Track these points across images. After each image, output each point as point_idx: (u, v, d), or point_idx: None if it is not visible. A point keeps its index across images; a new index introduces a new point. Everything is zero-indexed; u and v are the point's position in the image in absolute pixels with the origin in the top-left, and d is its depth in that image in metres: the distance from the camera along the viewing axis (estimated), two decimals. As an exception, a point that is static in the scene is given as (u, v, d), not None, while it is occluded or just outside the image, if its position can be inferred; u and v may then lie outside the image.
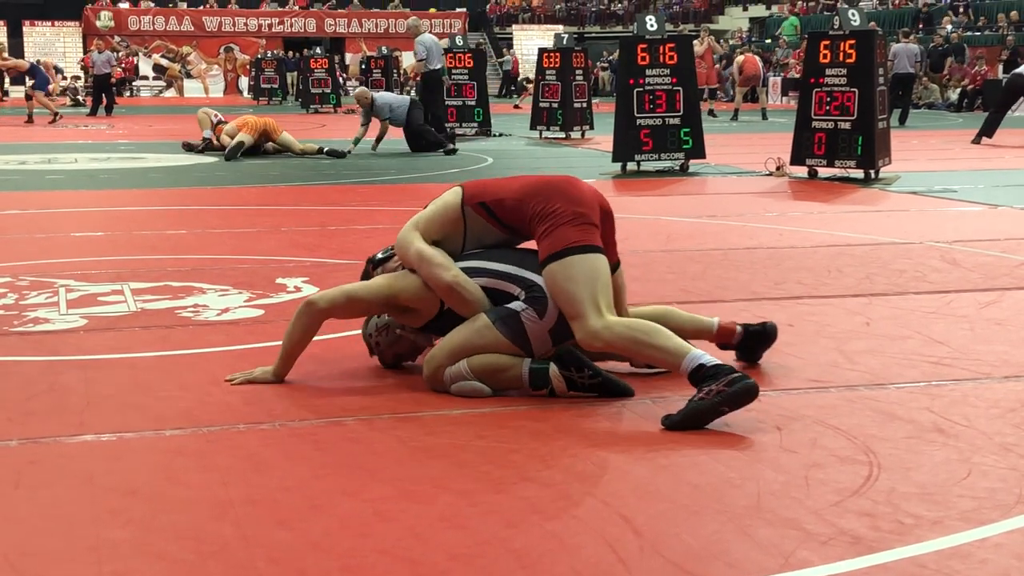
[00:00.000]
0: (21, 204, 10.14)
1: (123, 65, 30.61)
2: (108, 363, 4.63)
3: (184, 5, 44.74)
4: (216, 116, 15.85)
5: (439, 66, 17.15)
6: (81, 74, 38.31)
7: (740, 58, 26.07)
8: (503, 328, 4.09)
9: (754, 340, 4.53)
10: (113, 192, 11.37)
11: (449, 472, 3.35)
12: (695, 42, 27.51)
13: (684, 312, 4.61)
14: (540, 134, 18.91)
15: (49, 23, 42.33)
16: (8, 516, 3.02)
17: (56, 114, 23.20)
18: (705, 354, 3.84)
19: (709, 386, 3.72)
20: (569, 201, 4.13)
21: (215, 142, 15.43)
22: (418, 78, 17.96)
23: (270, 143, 15.42)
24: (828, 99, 11.69)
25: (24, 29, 41.08)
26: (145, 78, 41.84)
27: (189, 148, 15.71)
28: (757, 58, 26.74)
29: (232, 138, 14.98)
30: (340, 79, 34.13)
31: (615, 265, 4.31)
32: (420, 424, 3.81)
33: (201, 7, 44.57)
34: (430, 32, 17.67)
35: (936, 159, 14.87)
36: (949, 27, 31.81)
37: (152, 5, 44.27)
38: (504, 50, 44.78)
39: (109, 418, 3.86)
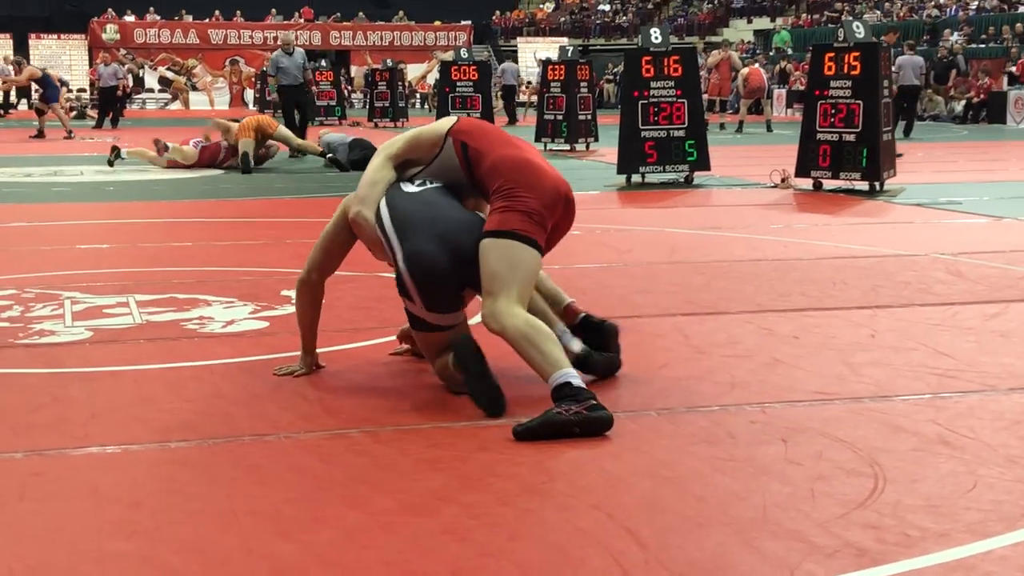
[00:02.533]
0: (27, 216, 10.16)
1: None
2: (113, 375, 4.63)
3: (190, 18, 44.86)
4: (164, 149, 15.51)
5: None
6: (87, 87, 38.33)
7: (745, 70, 26.08)
8: (415, 326, 4.27)
9: (590, 330, 4.55)
10: (118, 204, 11.39)
11: (452, 484, 3.34)
12: (715, 52, 27.59)
13: (551, 282, 4.66)
14: (545, 146, 18.91)
15: (55, 36, 42.45)
16: (12, 528, 3.02)
17: (70, 131, 22.78)
18: (573, 376, 3.88)
19: (569, 405, 3.78)
20: (533, 194, 4.20)
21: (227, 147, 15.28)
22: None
23: (269, 140, 15.33)
24: (833, 111, 11.68)
25: (30, 42, 41.17)
26: (151, 91, 41.92)
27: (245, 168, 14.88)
28: (761, 70, 26.75)
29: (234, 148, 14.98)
30: (345, 92, 34.19)
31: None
32: (423, 436, 3.81)
33: (207, 20, 44.69)
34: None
35: (941, 171, 14.87)
36: (953, 38, 31.82)
37: (158, 18, 44.39)
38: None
39: (114, 430, 3.87)
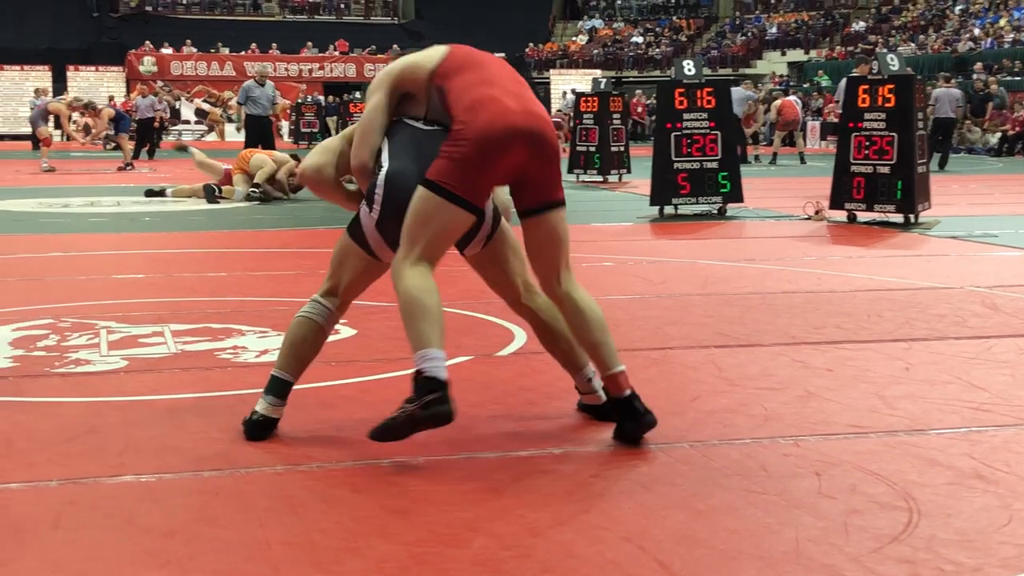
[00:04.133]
0: (64, 246, 10.26)
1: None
2: (148, 404, 4.66)
3: (226, 51, 45.24)
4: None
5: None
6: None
7: (778, 102, 26.07)
8: (351, 228, 4.17)
9: (625, 409, 4.10)
10: (154, 235, 11.49)
11: (484, 515, 3.34)
12: (751, 91, 27.60)
13: (608, 337, 4.13)
14: (577, 177, 18.96)
15: (93, 68, 42.85)
16: (47, 557, 3.04)
17: (130, 163, 23.19)
18: (430, 359, 3.77)
19: (406, 405, 3.76)
20: (480, 144, 3.89)
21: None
22: None
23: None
24: (867, 143, 11.66)
25: (68, 74, 41.59)
26: (187, 122, 42.26)
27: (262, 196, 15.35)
28: (795, 102, 26.74)
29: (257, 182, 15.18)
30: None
31: (551, 203, 4.08)
32: (456, 467, 3.81)
33: (243, 52, 45.06)
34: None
35: (976, 204, 14.79)
36: (982, 74, 31.70)
37: (195, 51, 44.81)
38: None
39: (148, 459, 3.89)
